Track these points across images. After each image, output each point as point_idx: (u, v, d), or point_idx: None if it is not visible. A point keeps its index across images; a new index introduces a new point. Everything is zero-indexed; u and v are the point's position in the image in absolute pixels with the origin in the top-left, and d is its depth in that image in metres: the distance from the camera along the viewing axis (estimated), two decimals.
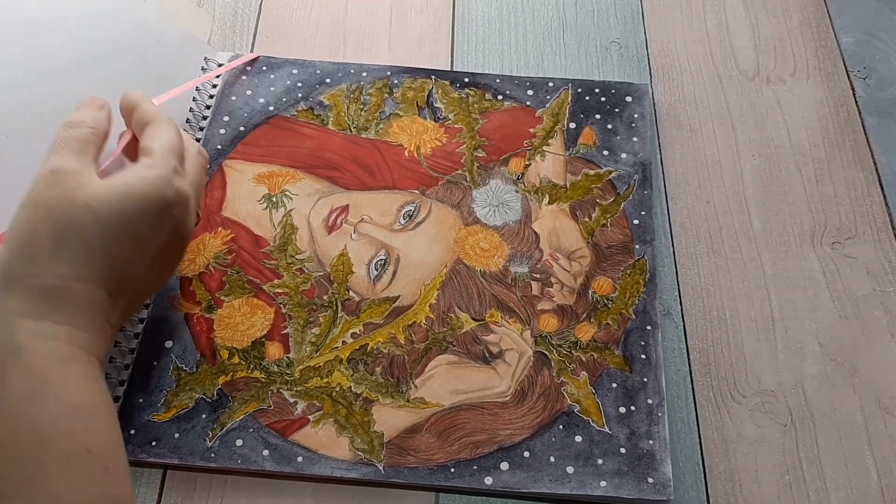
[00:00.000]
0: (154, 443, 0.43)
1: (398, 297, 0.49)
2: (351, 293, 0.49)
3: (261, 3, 0.64)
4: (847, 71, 0.61)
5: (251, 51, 0.61)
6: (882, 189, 0.55)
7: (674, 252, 0.52)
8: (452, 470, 0.43)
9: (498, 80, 0.58)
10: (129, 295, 0.38)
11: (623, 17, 0.64)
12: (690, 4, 0.65)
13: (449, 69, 0.60)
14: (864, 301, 0.51)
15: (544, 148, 0.55)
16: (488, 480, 0.43)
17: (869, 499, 0.44)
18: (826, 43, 0.62)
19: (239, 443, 0.44)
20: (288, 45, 0.61)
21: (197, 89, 0.56)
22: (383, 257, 0.50)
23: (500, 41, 0.62)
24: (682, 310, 0.50)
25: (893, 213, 0.54)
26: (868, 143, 0.57)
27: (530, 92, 0.58)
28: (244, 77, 0.57)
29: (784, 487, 0.45)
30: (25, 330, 0.33)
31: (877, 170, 0.56)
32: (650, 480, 0.43)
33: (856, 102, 0.59)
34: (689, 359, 0.49)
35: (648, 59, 0.61)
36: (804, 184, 0.56)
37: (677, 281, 0.51)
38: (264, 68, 0.58)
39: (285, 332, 0.48)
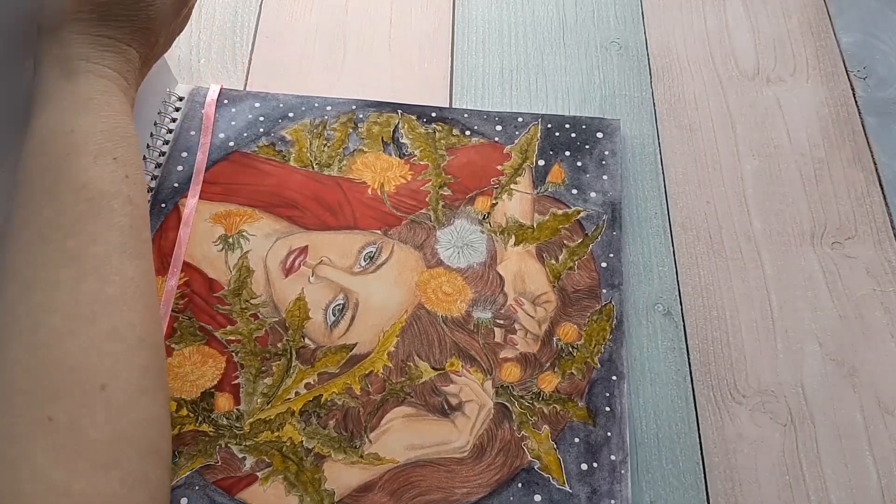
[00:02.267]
0: None
1: (355, 344, 0.47)
2: (306, 340, 0.47)
3: (261, 3, 0.63)
4: (847, 71, 0.61)
5: (251, 52, 0.60)
6: (882, 189, 0.55)
7: (674, 252, 0.52)
8: None
9: (466, 115, 0.57)
10: (150, 59, 0.44)
11: (623, 17, 0.64)
12: (690, 4, 0.65)
13: (449, 69, 0.58)
14: (864, 301, 0.51)
15: (512, 186, 0.54)
16: None
17: (869, 499, 0.44)
18: (826, 43, 0.63)
19: (184, 501, 0.42)
20: (288, 46, 0.61)
21: (155, 123, 0.54)
22: (341, 302, 0.49)
23: (500, 41, 0.62)
24: (682, 310, 0.50)
25: (893, 213, 0.54)
26: (868, 143, 0.58)
27: (499, 127, 0.56)
28: (204, 111, 0.56)
29: (784, 487, 0.44)
30: (80, 65, 0.38)
31: (877, 170, 0.56)
32: None
33: (856, 102, 0.60)
34: (689, 359, 0.48)
35: (648, 59, 0.61)
36: (804, 184, 0.56)
37: (677, 281, 0.51)
38: (225, 101, 0.57)
39: (236, 382, 0.46)
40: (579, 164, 0.54)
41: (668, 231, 0.53)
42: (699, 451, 0.45)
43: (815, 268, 0.52)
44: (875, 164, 0.57)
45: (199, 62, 0.60)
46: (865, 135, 0.58)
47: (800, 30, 0.63)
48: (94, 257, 0.34)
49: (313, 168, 0.54)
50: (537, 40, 0.62)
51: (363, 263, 0.50)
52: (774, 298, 0.51)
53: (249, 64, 0.60)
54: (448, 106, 0.58)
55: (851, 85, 0.60)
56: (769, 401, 0.47)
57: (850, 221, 0.54)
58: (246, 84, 0.59)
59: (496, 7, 0.64)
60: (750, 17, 0.64)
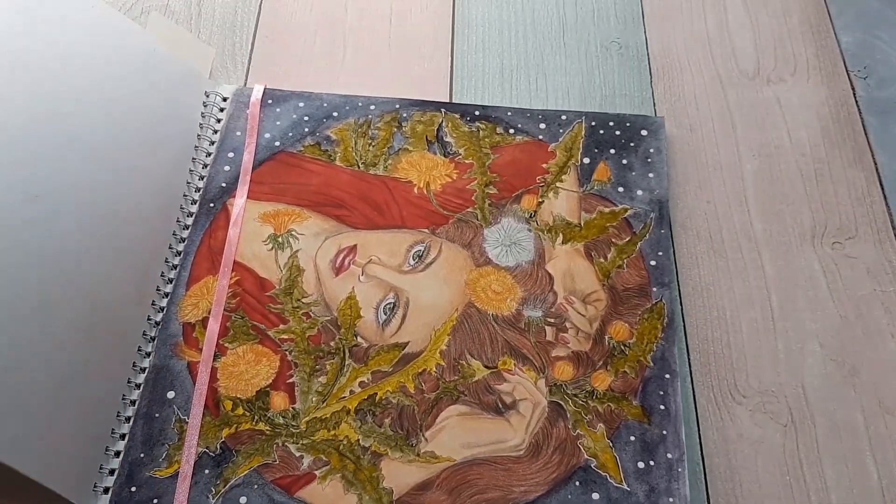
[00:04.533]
0: (156, 500, 0.42)
1: (407, 342, 0.47)
2: (359, 339, 0.48)
3: (261, 3, 0.63)
4: (847, 71, 0.61)
5: (251, 51, 0.60)
6: (882, 189, 0.55)
7: (674, 252, 0.52)
8: None
9: (509, 113, 0.57)
10: None
11: (623, 17, 0.64)
12: (690, 4, 0.65)
13: (450, 68, 0.58)
14: (865, 301, 0.51)
15: (557, 184, 0.54)
16: None
17: (869, 499, 0.44)
18: (826, 43, 0.62)
19: (243, 500, 0.42)
20: (287, 45, 0.61)
21: (200, 125, 0.55)
22: (392, 300, 0.49)
23: (500, 41, 0.62)
24: (682, 310, 0.50)
25: (894, 212, 0.54)
26: (868, 142, 0.57)
27: (542, 125, 0.56)
28: (249, 111, 0.56)
29: (784, 487, 0.44)
30: None
31: (877, 169, 0.56)
32: None
33: (856, 102, 0.59)
34: (689, 359, 0.48)
35: (648, 59, 0.61)
36: (804, 184, 0.55)
37: (677, 281, 0.51)
38: (269, 101, 0.57)
39: (291, 380, 0.46)
40: (625, 161, 0.54)
41: (669, 231, 0.53)
42: (699, 451, 0.45)
43: (816, 268, 0.52)
44: (875, 163, 0.56)
45: None
46: (866, 134, 0.57)
47: (800, 29, 0.63)
48: None
49: (359, 167, 0.54)
50: (537, 40, 0.62)
51: (412, 262, 0.50)
52: (775, 298, 0.50)
53: (249, 63, 0.60)
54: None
55: (852, 84, 0.60)
56: (769, 401, 0.47)
57: (850, 221, 0.53)
58: (245, 83, 0.59)
59: (496, 7, 0.64)
60: (750, 16, 0.64)
